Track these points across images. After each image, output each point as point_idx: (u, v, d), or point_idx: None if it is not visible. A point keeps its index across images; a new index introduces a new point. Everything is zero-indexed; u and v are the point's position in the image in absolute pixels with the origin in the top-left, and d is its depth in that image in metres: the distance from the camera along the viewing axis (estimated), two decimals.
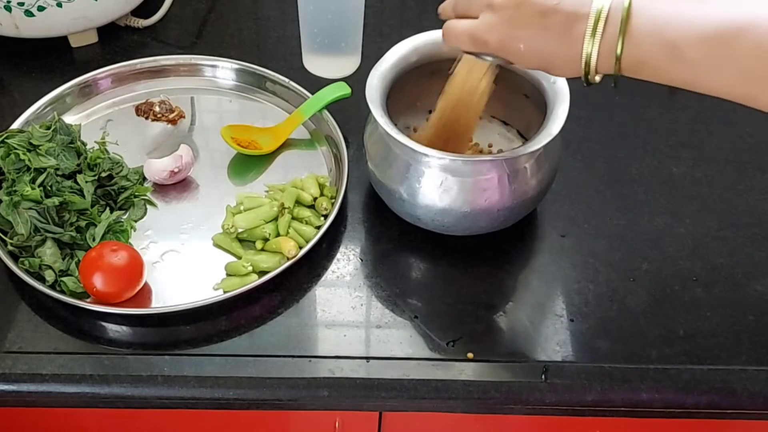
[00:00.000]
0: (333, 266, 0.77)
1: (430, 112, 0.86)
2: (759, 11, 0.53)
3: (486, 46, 0.62)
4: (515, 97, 0.81)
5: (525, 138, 0.85)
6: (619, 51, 0.57)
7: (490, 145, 0.86)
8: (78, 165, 0.79)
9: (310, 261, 0.77)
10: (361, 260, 0.78)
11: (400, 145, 0.72)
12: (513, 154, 0.70)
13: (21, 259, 0.73)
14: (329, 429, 0.79)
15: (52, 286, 0.72)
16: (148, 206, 0.81)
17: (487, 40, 0.62)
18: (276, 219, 0.78)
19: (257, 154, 0.86)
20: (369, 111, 0.73)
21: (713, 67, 0.54)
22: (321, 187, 0.81)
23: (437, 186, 0.72)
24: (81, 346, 0.70)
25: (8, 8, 0.91)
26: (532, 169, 0.74)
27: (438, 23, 0.68)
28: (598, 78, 0.59)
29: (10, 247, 0.74)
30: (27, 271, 0.73)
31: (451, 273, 0.77)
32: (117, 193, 0.80)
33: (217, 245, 0.78)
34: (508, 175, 0.72)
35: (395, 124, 0.73)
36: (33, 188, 0.75)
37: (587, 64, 0.58)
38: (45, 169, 0.77)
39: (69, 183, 0.78)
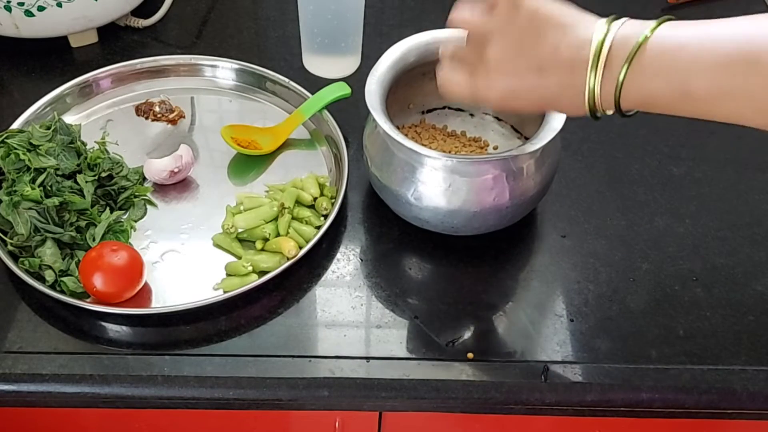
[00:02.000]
0: (333, 266, 0.77)
1: (423, 113, 0.86)
2: None
3: (487, 103, 0.62)
4: None
5: (518, 132, 0.85)
6: (617, 94, 0.54)
7: (486, 143, 0.86)
8: (78, 165, 0.79)
9: (310, 261, 0.77)
10: (361, 260, 0.78)
11: (405, 150, 0.72)
12: (519, 151, 0.71)
13: (21, 259, 0.73)
14: (329, 429, 0.79)
15: (52, 286, 0.72)
16: (148, 206, 0.81)
17: (488, 98, 0.61)
18: (276, 219, 0.77)
19: (257, 154, 0.86)
20: (368, 112, 0.73)
21: (722, 101, 0.51)
22: (321, 187, 0.81)
23: (445, 188, 0.72)
24: (81, 346, 0.70)
25: (8, 8, 0.91)
26: (537, 163, 0.74)
27: (436, 24, 0.68)
28: (609, 112, 0.57)
29: (10, 247, 0.74)
30: (27, 271, 0.73)
31: (451, 273, 0.77)
32: (117, 193, 0.80)
33: (217, 245, 0.78)
34: (514, 172, 0.72)
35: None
36: (33, 188, 0.75)
37: (591, 100, 0.56)
38: (45, 169, 0.77)
39: (69, 183, 0.78)
